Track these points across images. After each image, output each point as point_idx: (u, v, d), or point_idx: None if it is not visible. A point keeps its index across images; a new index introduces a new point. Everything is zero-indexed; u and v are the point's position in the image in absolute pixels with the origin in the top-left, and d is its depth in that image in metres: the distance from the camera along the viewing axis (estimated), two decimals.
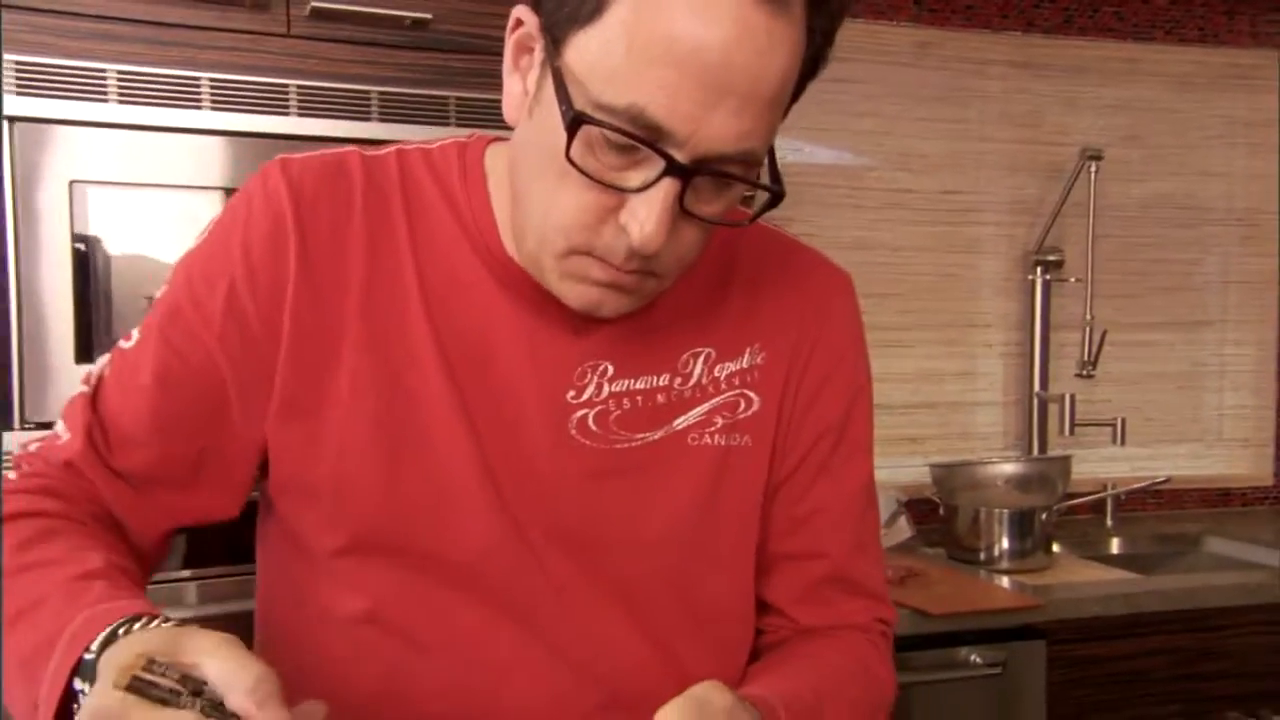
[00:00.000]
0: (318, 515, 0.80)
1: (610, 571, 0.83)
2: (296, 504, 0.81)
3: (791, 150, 2.29)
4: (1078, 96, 2.48)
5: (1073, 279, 2.41)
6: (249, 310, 0.77)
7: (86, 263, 1.39)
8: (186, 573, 1.43)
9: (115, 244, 1.41)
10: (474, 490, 0.79)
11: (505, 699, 0.80)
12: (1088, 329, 2.37)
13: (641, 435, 0.83)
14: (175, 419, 0.79)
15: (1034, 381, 2.42)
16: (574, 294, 0.75)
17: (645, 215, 0.68)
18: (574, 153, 0.67)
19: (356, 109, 1.49)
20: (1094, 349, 2.35)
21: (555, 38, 0.68)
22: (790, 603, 0.91)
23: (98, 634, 0.62)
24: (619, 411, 0.82)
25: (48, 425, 1.36)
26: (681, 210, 0.69)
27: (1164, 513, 2.53)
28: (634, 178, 0.68)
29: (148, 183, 1.42)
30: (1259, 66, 2.57)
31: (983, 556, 2.06)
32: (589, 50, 0.66)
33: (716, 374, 0.85)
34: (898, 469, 2.34)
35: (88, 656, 0.62)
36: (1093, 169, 2.35)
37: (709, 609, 0.87)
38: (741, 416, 0.85)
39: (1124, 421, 2.31)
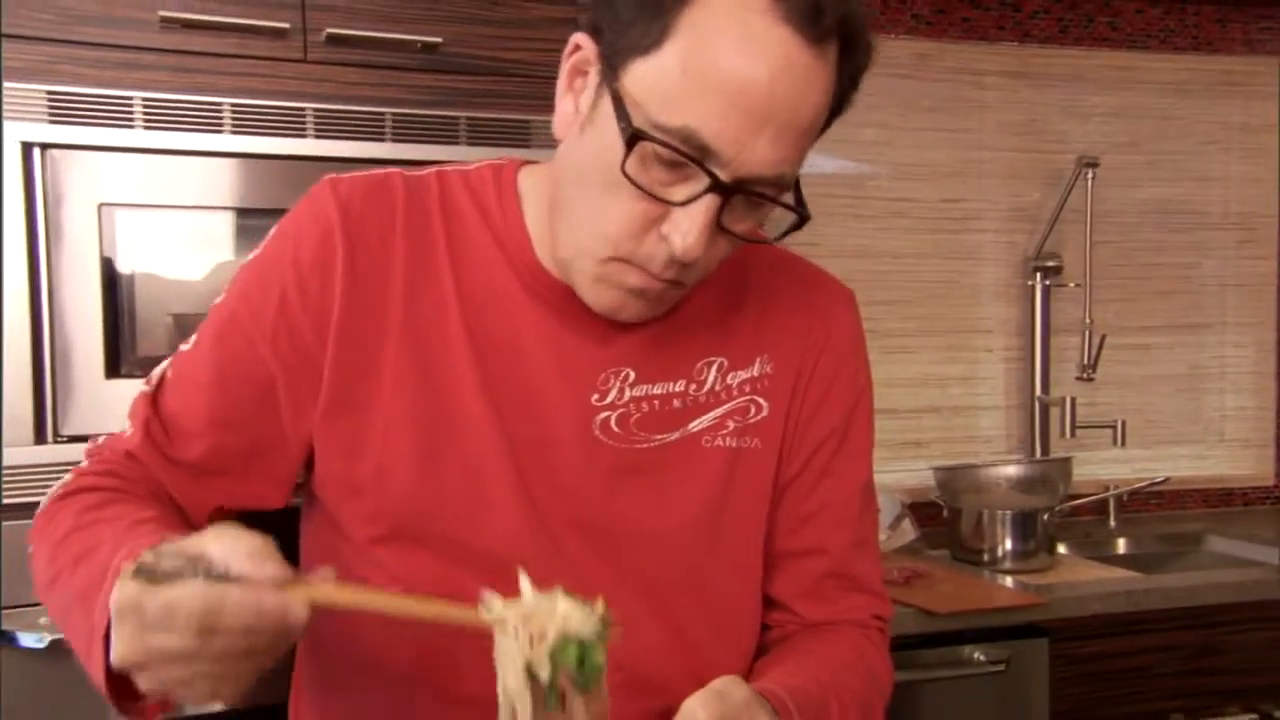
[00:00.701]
0: (358, 505, 0.86)
1: (628, 562, 0.88)
2: (339, 495, 0.87)
3: None
4: (1075, 105, 2.53)
5: (1072, 284, 2.45)
6: (299, 317, 0.84)
7: (114, 282, 1.45)
8: None
9: (142, 263, 1.47)
10: (503, 484, 0.85)
11: None
12: (1087, 333, 2.41)
13: (660, 436, 0.89)
14: (229, 415, 0.86)
15: (1035, 385, 2.46)
16: (602, 298, 0.81)
17: (688, 227, 0.75)
18: (628, 166, 0.73)
19: (371, 130, 1.55)
20: (1093, 352, 2.39)
21: (613, 65, 0.75)
22: (794, 598, 0.96)
23: (128, 559, 0.68)
24: (639, 414, 0.88)
25: (80, 439, 1.42)
26: (719, 227, 0.76)
27: (1166, 513, 2.57)
28: (679, 192, 0.75)
29: (172, 204, 1.47)
30: (1253, 73, 2.61)
31: (986, 557, 2.10)
32: (647, 77, 0.73)
33: (729, 381, 0.91)
34: (902, 473, 2.38)
35: (119, 580, 0.67)
36: (1089, 176, 2.39)
37: (721, 599, 0.93)
38: (752, 421, 0.92)
39: (1124, 424, 2.35)
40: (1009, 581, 1.96)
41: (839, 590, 0.96)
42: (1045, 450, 2.44)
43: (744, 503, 0.92)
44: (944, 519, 2.20)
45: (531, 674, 0.66)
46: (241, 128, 1.49)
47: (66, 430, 1.43)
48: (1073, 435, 2.35)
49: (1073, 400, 2.34)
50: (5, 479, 1.40)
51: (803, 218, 0.82)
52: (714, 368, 0.91)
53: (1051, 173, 2.50)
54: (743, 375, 0.92)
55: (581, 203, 0.79)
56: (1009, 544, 2.09)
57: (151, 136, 1.45)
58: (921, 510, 2.26)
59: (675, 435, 0.89)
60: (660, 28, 0.72)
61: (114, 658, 0.64)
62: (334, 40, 1.54)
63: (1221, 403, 2.64)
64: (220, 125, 1.48)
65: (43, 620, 1.40)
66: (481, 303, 0.87)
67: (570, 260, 0.82)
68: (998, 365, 2.50)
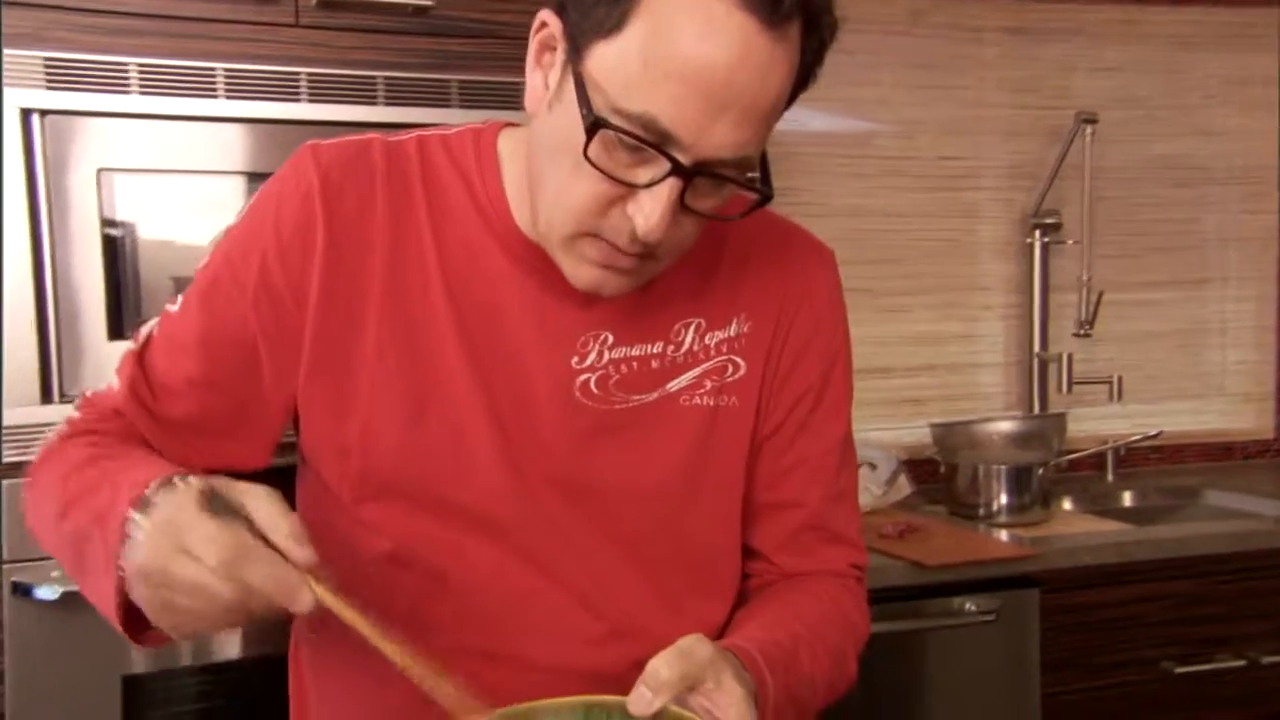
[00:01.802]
0: (345, 466, 0.89)
1: (608, 517, 0.91)
2: (326, 456, 0.90)
3: (789, 120, 2.34)
4: (1076, 60, 2.52)
5: (1071, 241, 2.45)
6: (279, 282, 0.86)
7: (115, 245, 1.48)
8: None
9: (141, 227, 1.50)
10: (485, 443, 0.88)
11: (516, 630, 0.90)
12: (1084, 289, 2.42)
13: (638, 397, 0.91)
14: (213, 376, 0.89)
15: (1034, 342, 2.47)
16: (579, 274, 0.83)
17: (651, 209, 0.76)
18: (591, 151, 0.75)
19: (363, 94, 1.57)
20: (1091, 309, 2.40)
21: (578, 45, 0.76)
22: (773, 549, 0.99)
23: (153, 480, 0.73)
24: (618, 376, 0.90)
25: None
26: (682, 205, 0.77)
27: (1165, 467, 2.58)
28: (643, 175, 0.76)
29: (169, 169, 1.50)
30: (1256, 25, 2.59)
31: (982, 512, 2.12)
32: (608, 59, 0.74)
33: (707, 341, 0.93)
34: (901, 430, 2.41)
35: (147, 493, 0.72)
36: (1088, 132, 2.39)
37: (700, 551, 0.96)
38: (729, 380, 0.94)
39: (1121, 379, 2.37)
40: (1004, 535, 1.99)
41: (817, 542, 0.99)
42: (1045, 407, 2.46)
43: (722, 459, 0.94)
44: (941, 475, 2.23)
45: None
46: (235, 92, 1.51)
47: (72, 390, 1.48)
48: (1069, 391, 2.37)
49: (1069, 356, 2.35)
50: (11, 438, 1.44)
51: (765, 196, 0.82)
52: (691, 329, 0.93)
53: (1051, 129, 2.49)
54: (720, 335, 0.94)
55: (551, 179, 0.81)
56: (1004, 498, 2.11)
57: (147, 102, 1.48)
58: (919, 467, 2.29)
59: (654, 395, 0.91)
60: (621, 11, 0.73)
61: (136, 561, 0.69)
62: (326, 4, 1.56)
63: (1223, 357, 2.64)
64: (214, 90, 1.50)
65: (54, 574, 1.45)
66: (462, 266, 0.88)
67: (544, 234, 0.84)
68: (996, 323, 2.52)
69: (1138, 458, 2.54)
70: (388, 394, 0.87)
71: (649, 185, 0.76)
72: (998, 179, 2.50)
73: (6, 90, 1.42)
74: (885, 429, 2.39)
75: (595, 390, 0.90)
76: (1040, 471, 2.12)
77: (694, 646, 0.75)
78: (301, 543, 0.69)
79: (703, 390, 0.93)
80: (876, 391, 2.42)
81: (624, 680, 0.74)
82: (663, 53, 0.72)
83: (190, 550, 0.67)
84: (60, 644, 1.47)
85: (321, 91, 1.55)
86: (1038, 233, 2.46)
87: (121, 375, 0.91)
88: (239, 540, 0.67)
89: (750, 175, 0.81)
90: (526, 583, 0.90)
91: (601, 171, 0.76)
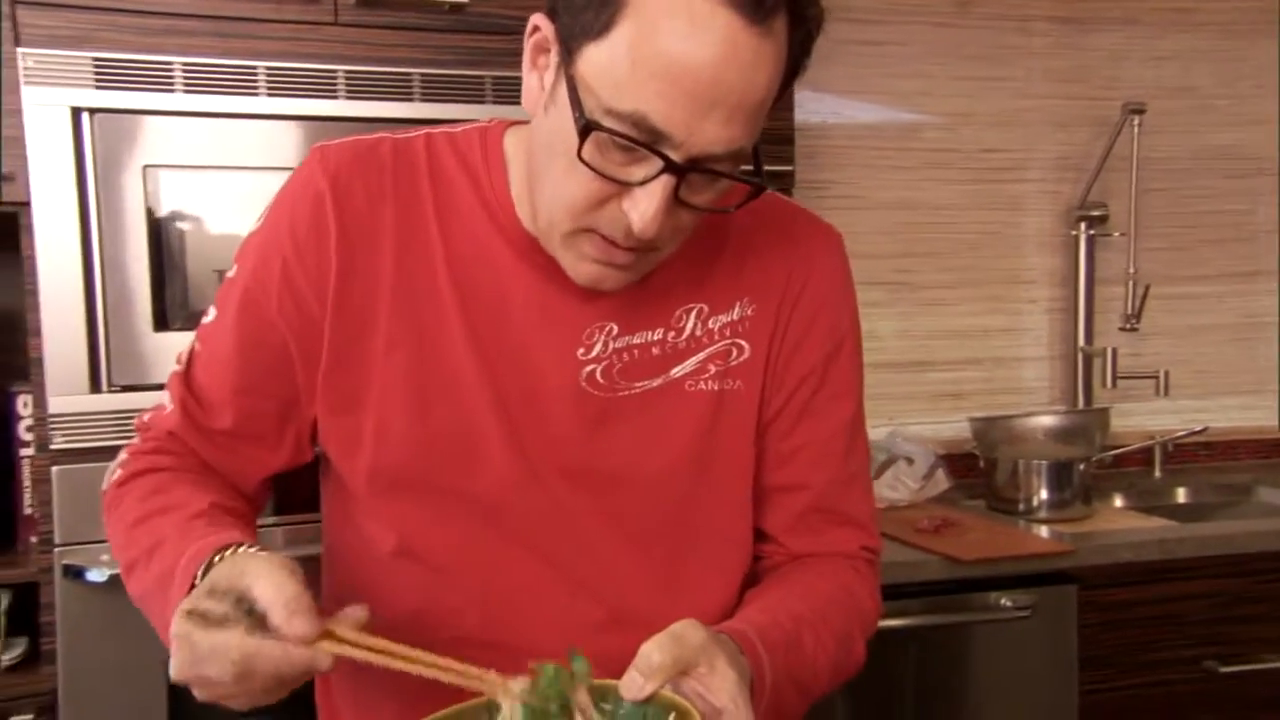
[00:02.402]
0: (358, 460, 0.91)
1: (616, 504, 0.92)
2: (340, 451, 0.93)
3: (832, 113, 2.34)
4: (1126, 49, 2.48)
5: (1117, 233, 2.42)
6: (300, 283, 0.89)
7: (161, 239, 1.53)
8: (274, 519, 1.57)
9: (186, 221, 1.55)
10: (494, 435, 0.89)
11: (521, 617, 0.91)
12: (1131, 283, 2.38)
13: (642, 383, 0.92)
14: (252, 382, 0.92)
15: (1079, 336, 2.44)
16: (579, 270, 0.85)
17: (645, 206, 0.78)
18: (585, 153, 0.77)
19: (400, 90, 1.60)
20: (1137, 303, 2.36)
21: (569, 47, 0.77)
22: (782, 531, 0.99)
23: (198, 568, 0.77)
24: (621, 364, 0.92)
25: (131, 388, 1.52)
26: (677, 200, 0.78)
27: (1216, 464, 2.54)
28: (636, 173, 0.77)
29: (213, 164, 1.54)
30: None
31: (1022, 507, 2.10)
32: (598, 61, 0.75)
33: (710, 326, 0.94)
34: (940, 425, 2.39)
35: (197, 584, 0.77)
36: (1135, 123, 2.35)
37: (708, 535, 0.96)
38: (734, 363, 0.94)
39: (1168, 374, 2.32)
40: (1044, 531, 1.97)
41: (824, 523, 0.99)
42: (1089, 402, 2.42)
43: (729, 442, 0.95)
44: (980, 470, 2.21)
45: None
46: (276, 90, 1.55)
47: (121, 380, 1.53)
48: (1114, 386, 2.33)
49: (1114, 351, 2.32)
50: (60, 425, 1.50)
51: (758, 188, 0.83)
52: (693, 314, 0.94)
53: (1099, 120, 2.45)
54: (723, 319, 0.94)
55: (549, 178, 0.82)
56: (1044, 494, 2.09)
57: (192, 100, 1.52)
58: (959, 462, 2.27)
59: (658, 381, 0.92)
60: (609, 13, 0.74)
61: (170, 673, 0.73)
62: (364, 3, 1.59)
63: (1275, 351, 2.58)
64: (256, 88, 1.54)
65: (104, 557, 1.50)
66: (469, 262, 0.90)
67: (545, 232, 0.86)
68: (1041, 316, 2.49)
69: (1187, 454, 2.50)
70: (397, 387, 0.89)
71: (643, 183, 0.77)
72: (1043, 171, 2.47)
73: (59, 90, 1.48)
74: (924, 423, 2.38)
75: (601, 379, 0.91)
76: (1081, 467, 2.09)
77: (686, 631, 0.76)
78: (295, 612, 0.71)
79: (707, 375, 0.94)
80: (916, 385, 2.41)
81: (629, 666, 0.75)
82: (650, 52, 0.73)
83: (203, 662, 0.71)
84: (108, 625, 1.53)
85: (359, 88, 1.58)
86: (1083, 225, 2.42)
87: (173, 397, 0.95)
88: (239, 648, 0.70)
89: (745, 168, 0.82)
90: (531, 570, 0.91)
91: (596, 171, 0.77)
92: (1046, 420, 2.19)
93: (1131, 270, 2.39)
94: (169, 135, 1.53)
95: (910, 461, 2.11)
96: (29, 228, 1.49)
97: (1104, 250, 2.45)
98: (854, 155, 2.36)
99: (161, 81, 1.51)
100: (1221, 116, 2.53)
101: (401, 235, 0.90)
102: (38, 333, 1.51)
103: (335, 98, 1.57)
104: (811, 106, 2.31)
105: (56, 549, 1.52)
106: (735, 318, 0.95)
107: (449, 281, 0.89)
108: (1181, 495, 2.37)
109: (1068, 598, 1.81)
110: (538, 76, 0.83)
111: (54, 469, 1.51)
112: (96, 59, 1.49)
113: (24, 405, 1.70)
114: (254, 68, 1.54)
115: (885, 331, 2.38)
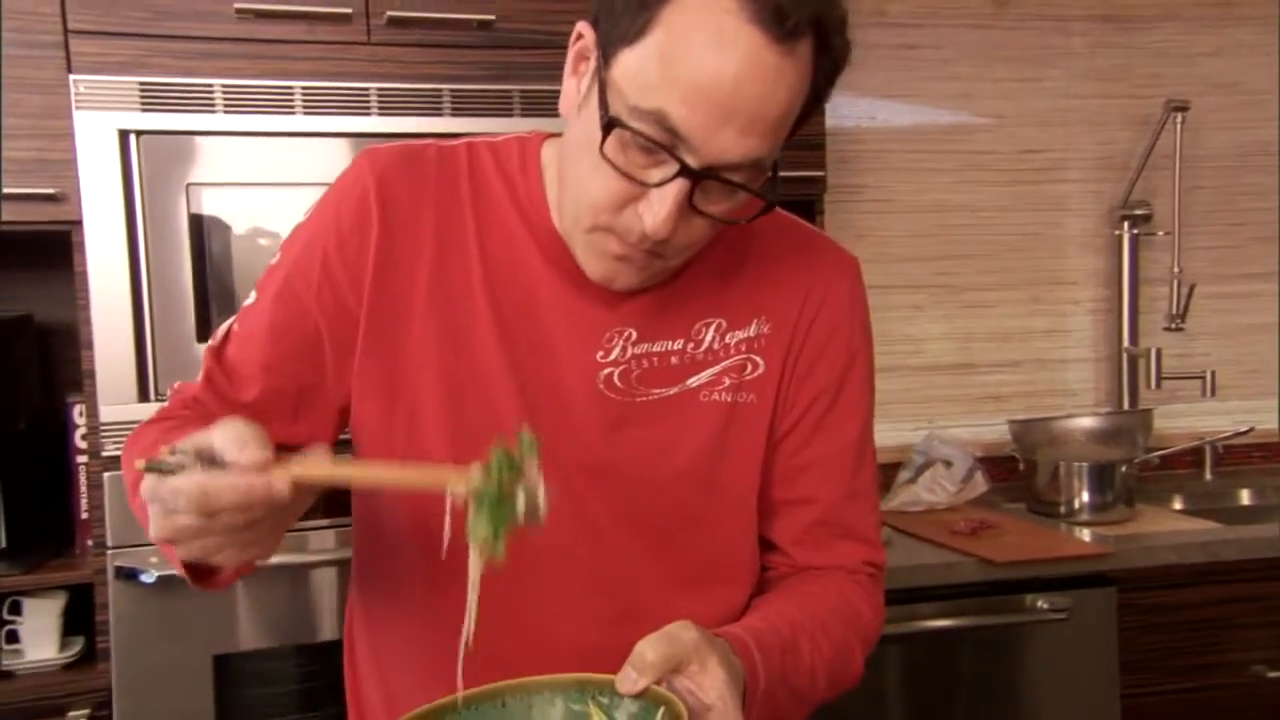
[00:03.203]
0: (389, 450, 0.95)
1: (629, 503, 0.96)
2: (371, 440, 0.97)
3: (866, 118, 2.35)
4: (1168, 47, 2.45)
5: (1161, 233, 2.38)
6: (339, 274, 0.94)
7: (203, 254, 1.60)
8: (326, 521, 1.63)
9: (227, 236, 1.61)
10: (519, 428, 0.93)
11: (538, 611, 0.95)
12: (1175, 282, 2.35)
13: (658, 390, 0.96)
14: (279, 362, 0.96)
15: (1123, 337, 2.41)
16: (593, 266, 0.90)
17: (659, 208, 0.82)
18: (608, 150, 0.81)
19: (430, 106, 1.65)
20: (1182, 302, 2.33)
21: (606, 53, 0.82)
22: (789, 543, 1.03)
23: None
24: (639, 370, 0.95)
25: None
26: (691, 207, 0.82)
27: (1269, 465, 2.48)
28: (654, 175, 0.82)
29: (252, 181, 1.61)
30: None
31: (1062, 510, 2.08)
32: (630, 64, 0.80)
33: (727, 340, 0.98)
34: (981, 427, 2.37)
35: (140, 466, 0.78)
36: (1178, 120, 2.32)
37: (717, 540, 0.99)
38: (748, 378, 0.98)
39: (1214, 374, 2.28)
40: (1085, 533, 1.95)
41: (830, 537, 1.02)
42: (1134, 403, 2.39)
43: (739, 453, 0.98)
44: (1021, 473, 2.19)
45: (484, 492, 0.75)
46: (312, 108, 1.61)
47: (167, 389, 1.59)
48: (1158, 387, 2.30)
49: (1158, 351, 2.29)
50: (111, 433, 1.57)
51: (770, 204, 0.87)
52: (712, 328, 0.97)
53: (1141, 119, 2.43)
54: (740, 335, 0.98)
55: (574, 177, 0.87)
56: (1085, 496, 2.07)
57: (232, 120, 1.59)
58: (1000, 464, 2.26)
59: (674, 390, 0.96)
60: (644, 21, 0.79)
61: (150, 535, 0.76)
62: (394, 22, 1.65)
63: None
64: (292, 107, 1.60)
65: (153, 559, 1.57)
66: (502, 265, 0.95)
67: (567, 228, 0.91)
68: (1084, 317, 2.46)
69: (1239, 455, 2.45)
70: (430, 381, 0.93)
71: (659, 185, 0.81)
72: (1085, 170, 2.45)
73: (108, 113, 1.55)
74: (965, 426, 2.36)
75: (618, 383, 0.95)
76: (1124, 469, 2.07)
77: (679, 631, 0.79)
78: (246, 443, 0.72)
79: (721, 387, 0.97)
80: (958, 388, 2.39)
81: None
82: (677, 58, 0.78)
83: (171, 510, 0.72)
84: (159, 624, 1.59)
85: (391, 105, 1.64)
86: (1126, 224, 2.39)
87: (204, 368, 1.00)
88: (190, 481, 0.71)
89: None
90: (547, 566, 0.94)
91: (616, 169, 0.81)
92: (1087, 422, 2.17)
93: (1176, 269, 2.35)
94: (211, 154, 1.60)
95: (948, 464, 2.10)
96: (81, 245, 1.57)
97: (1148, 250, 2.42)
98: (888, 159, 2.36)
99: (203, 103, 1.58)
100: (1267, 111, 2.48)
101: (440, 235, 0.94)
102: (89, 345, 1.58)
103: (368, 114, 1.63)
104: (845, 111, 2.32)
105: (109, 551, 1.59)
106: (752, 334, 0.98)
107: (483, 281, 0.94)
108: (1232, 498, 2.32)
109: (1107, 600, 1.79)
110: (576, 81, 0.87)
111: (105, 475, 1.58)
112: (143, 83, 1.56)
113: (79, 414, 1.78)
114: (290, 88, 1.60)
115: (926, 335, 2.36)
